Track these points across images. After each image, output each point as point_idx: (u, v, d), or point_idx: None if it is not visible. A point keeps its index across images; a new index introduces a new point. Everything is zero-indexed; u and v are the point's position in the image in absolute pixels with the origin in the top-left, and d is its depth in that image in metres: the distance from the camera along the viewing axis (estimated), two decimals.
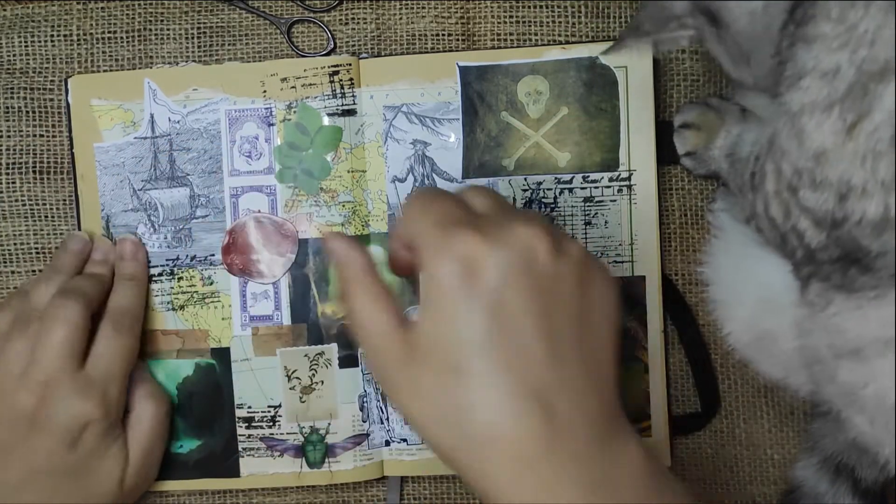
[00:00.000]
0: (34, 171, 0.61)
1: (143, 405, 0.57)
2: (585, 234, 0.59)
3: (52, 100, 0.60)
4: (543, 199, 0.59)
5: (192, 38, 0.60)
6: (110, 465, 0.55)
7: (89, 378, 0.53)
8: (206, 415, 0.60)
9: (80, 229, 0.60)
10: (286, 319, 0.60)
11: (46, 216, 0.61)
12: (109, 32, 0.60)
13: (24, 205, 0.61)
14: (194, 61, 0.60)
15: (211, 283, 0.60)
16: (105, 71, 0.60)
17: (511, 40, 0.60)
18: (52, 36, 0.60)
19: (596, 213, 0.59)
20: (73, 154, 0.60)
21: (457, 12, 0.60)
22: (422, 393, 0.41)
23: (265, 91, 0.59)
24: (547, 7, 0.60)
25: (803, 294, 0.44)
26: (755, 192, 0.44)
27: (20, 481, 0.53)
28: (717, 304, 0.51)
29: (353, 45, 0.60)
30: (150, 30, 0.60)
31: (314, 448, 0.60)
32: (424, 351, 0.41)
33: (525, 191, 0.59)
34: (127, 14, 0.60)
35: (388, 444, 0.60)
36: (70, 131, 0.60)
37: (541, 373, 0.40)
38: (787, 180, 0.41)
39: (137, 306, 0.58)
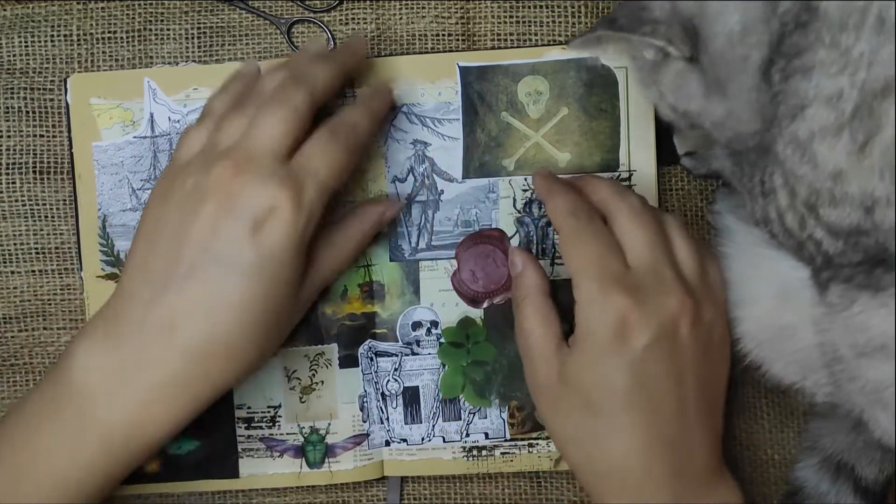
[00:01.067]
0: (34, 171, 0.60)
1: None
2: None
3: (52, 100, 0.60)
4: None
5: (192, 38, 0.60)
6: (289, 270, 0.48)
7: (290, 170, 0.48)
8: (205, 416, 0.60)
9: (78, 229, 0.60)
10: None
11: (46, 216, 0.61)
12: (109, 32, 0.60)
13: (24, 205, 0.61)
14: (194, 61, 0.60)
15: None
16: (105, 70, 0.60)
17: (511, 40, 0.60)
18: (52, 36, 0.60)
19: None
20: (72, 154, 0.60)
21: (457, 12, 0.60)
22: (564, 414, 0.51)
23: None
24: (547, 7, 0.60)
25: (822, 297, 0.44)
26: (766, 198, 0.44)
27: (189, 268, 0.47)
28: (730, 305, 0.51)
29: None
30: (150, 30, 0.60)
31: (314, 448, 0.60)
32: (574, 382, 0.50)
33: (525, 191, 0.59)
34: (127, 14, 0.60)
35: (388, 444, 0.60)
36: (69, 131, 0.60)
37: (669, 426, 0.49)
38: (803, 199, 0.41)
39: (363, 127, 0.52)
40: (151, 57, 0.60)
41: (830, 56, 0.37)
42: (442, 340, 0.60)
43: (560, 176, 0.57)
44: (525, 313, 0.53)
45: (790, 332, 0.47)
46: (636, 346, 0.48)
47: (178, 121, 0.59)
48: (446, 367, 0.60)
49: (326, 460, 0.60)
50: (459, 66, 0.59)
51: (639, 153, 0.59)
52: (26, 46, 0.60)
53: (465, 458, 0.60)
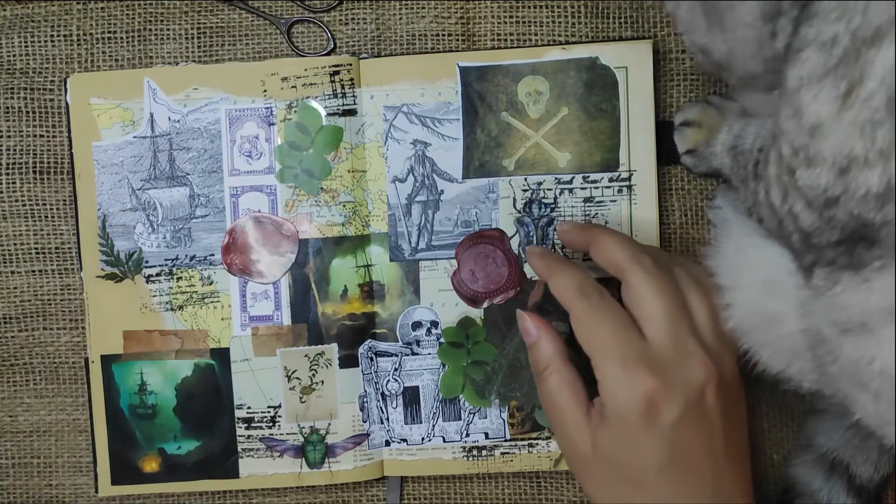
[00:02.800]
0: (34, 171, 0.60)
1: None
2: None
3: (51, 100, 0.60)
4: (543, 200, 0.59)
5: (192, 38, 0.60)
6: None
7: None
8: (205, 416, 0.60)
9: (77, 229, 0.60)
10: (286, 319, 0.60)
11: (46, 216, 0.61)
12: (109, 32, 0.60)
13: (24, 205, 0.60)
14: (194, 61, 0.60)
15: (210, 283, 0.60)
16: (105, 70, 0.60)
17: (511, 40, 0.60)
18: (52, 36, 0.60)
19: (596, 214, 0.59)
20: (72, 154, 0.60)
21: (457, 12, 0.60)
22: (601, 483, 0.51)
23: (266, 90, 0.59)
24: (547, 7, 0.60)
25: (807, 281, 0.44)
26: (757, 180, 0.44)
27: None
28: (720, 291, 0.51)
29: (353, 45, 0.60)
30: (150, 30, 0.60)
31: (314, 448, 0.60)
32: (609, 456, 0.49)
33: (525, 191, 0.59)
34: (127, 14, 0.60)
35: (388, 444, 0.60)
36: (69, 131, 0.60)
37: (704, 483, 0.49)
38: (786, 163, 0.40)
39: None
40: (151, 57, 0.60)
41: (832, 3, 0.36)
42: (442, 340, 0.60)
43: (570, 221, 0.56)
44: (550, 385, 0.51)
45: (777, 318, 0.47)
46: (666, 422, 0.48)
47: (178, 120, 0.59)
48: (446, 367, 0.60)
49: (326, 460, 0.60)
50: (459, 66, 0.59)
51: (639, 153, 0.59)
52: (26, 46, 0.60)
53: (465, 458, 0.60)
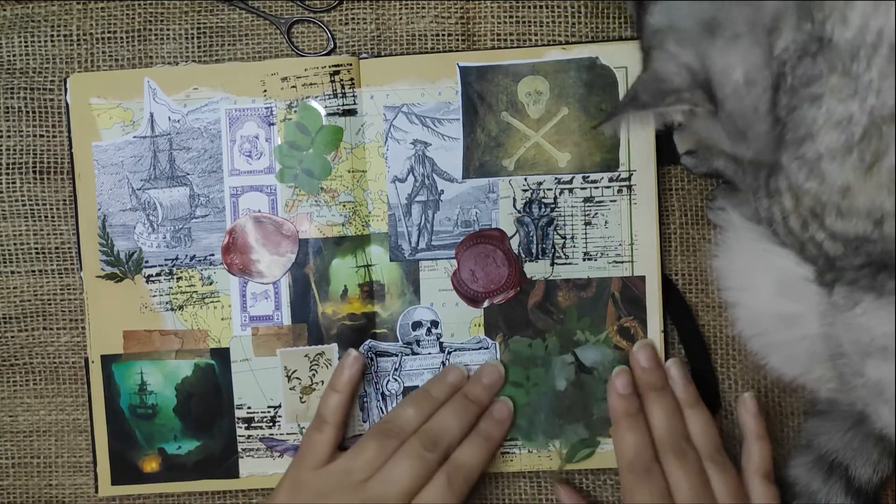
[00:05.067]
0: (34, 171, 0.60)
1: None
2: (585, 233, 0.59)
3: (51, 100, 0.60)
4: (543, 199, 0.59)
5: (192, 38, 0.60)
6: None
7: None
8: (205, 416, 0.60)
9: (77, 229, 0.60)
10: (286, 319, 0.60)
11: (46, 216, 0.61)
12: (109, 32, 0.60)
13: (24, 205, 0.60)
14: (194, 61, 0.60)
15: (210, 283, 0.60)
16: (105, 70, 0.60)
17: (511, 40, 0.60)
18: (52, 36, 0.60)
19: (596, 213, 0.59)
20: (72, 154, 0.60)
21: (457, 12, 0.60)
22: None
23: (266, 90, 0.59)
24: (547, 7, 0.60)
25: (827, 296, 0.45)
26: (770, 199, 0.44)
27: None
28: (730, 291, 0.51)
29: (353, 45, 0.60)
30: (150, 30, 0.60)
31: None
32: None
33: (525, 191, 0.59)
34: (127, 14, 0.60)
35: None
36: (69, 131, 0.60)
37: None
38: (808, 207, 0.42)
39: (477, 469, 0.57)
40: (151, 57, 0.60)
41: (842, 81, 0.39)
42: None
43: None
44: None
45: (792, 320, 0.48)
46: None
47: (178, 120, 0.59)
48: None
49: None
50: (459, 66, 0.59)
51: (639, 153, 0.59)
52: (26, 46, 0.60)
53: None
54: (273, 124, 0.59)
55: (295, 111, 0.59)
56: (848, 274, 0.43)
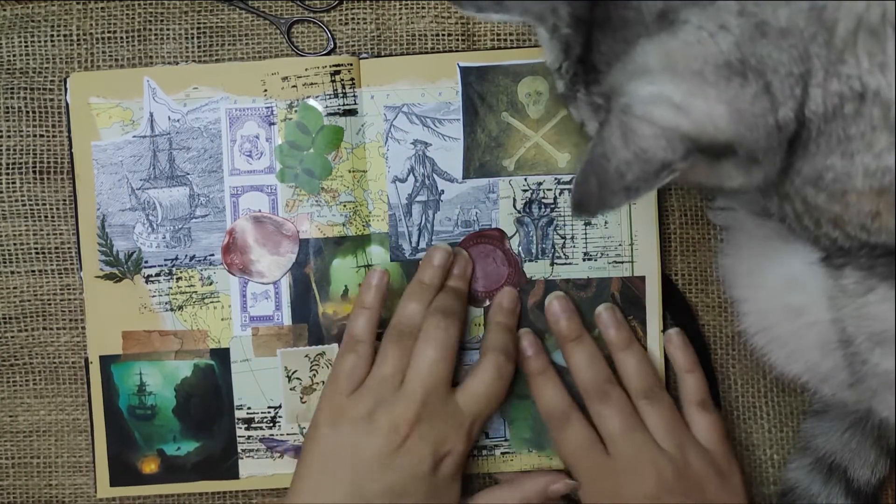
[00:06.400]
0: (34, 171, 0.60)
1: None
2: (585, 234, 0.59)
3: (51, 100, 0.60)
4: (543, 200, 0.59)
5: (192, 38, 0.60)
6: (453, 497, 0.56)
7: (460, 411, 0.55)
8: (204, 416, 0.60)
9: (77, 229, 0.59)
10: (287, 319, 0.60)
11: (46, 216, 0.61)
12: (109, 32, 0.60)
13: (24, 205, 0.60)
14: (194, 61, 0.60)
15: (210, 284, 0.60)
16: (105, 70, 0.60)
17: (511, 40, 0.60)
18: (52, 36, 0.60)
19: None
20: (71, 153, 0.60)
21: (457, 12, 0.60)
22: None
23: (266, 90, 0.59)
24: None
25: (836, 278, 0.44)
26: (782, 199, 0.43)
27: (380, 497, 0.53)
28: (738, 288, 0.51)
29: (353, 45, 0.60)
30: (150, 30, 0.60)
31: None
32: None
33: (525, 191, 0.59)
34: (127, 14, 0.60)
35: None
36: (69, 131, 0.59)
37: None
38: (828, 219, 0.42)
39: (512, 364, 0.57)
40: (151, 57, 0.60)
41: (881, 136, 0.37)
42: None
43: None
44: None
45: (800, 310, 0.47)
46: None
47: (178, 120, 0.59)
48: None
49: None
50: (459, 66, 0.59)
51: None
52: (26, 46, 0.60)
53: None
54: (273, 124, 0.59)
55: (295, 111, 0.59)
56: (861, 260, 0.43)
